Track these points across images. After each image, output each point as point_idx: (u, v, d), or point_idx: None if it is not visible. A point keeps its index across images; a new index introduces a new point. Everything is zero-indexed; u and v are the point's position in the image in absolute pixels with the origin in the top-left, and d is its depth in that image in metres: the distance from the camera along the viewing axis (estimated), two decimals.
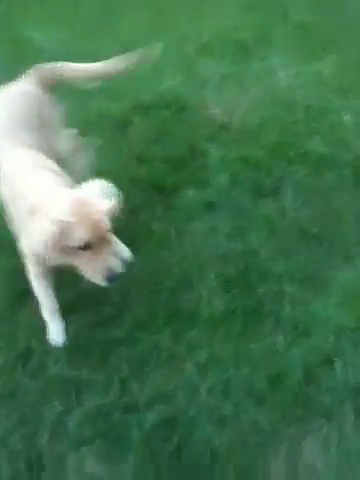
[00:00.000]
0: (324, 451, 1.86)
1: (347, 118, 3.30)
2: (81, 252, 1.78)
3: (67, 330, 2.24)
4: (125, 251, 2.31)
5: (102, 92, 3.54)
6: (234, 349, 2.15)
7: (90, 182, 1.94)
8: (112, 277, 1.84)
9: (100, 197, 1.83)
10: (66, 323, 2.25)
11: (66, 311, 2.26)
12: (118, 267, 1.85)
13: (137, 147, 3.10)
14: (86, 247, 1.79)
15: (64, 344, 2.21)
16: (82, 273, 1.87)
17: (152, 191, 2.83)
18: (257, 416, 1.96)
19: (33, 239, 1.77)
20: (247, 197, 2.78)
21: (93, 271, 1.84)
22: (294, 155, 3.03)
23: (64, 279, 2.21)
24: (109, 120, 3.30)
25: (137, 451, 1.90)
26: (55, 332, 2.22)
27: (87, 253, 1.79)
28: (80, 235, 1.75)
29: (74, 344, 2.22)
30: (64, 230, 1.73)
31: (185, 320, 2.24)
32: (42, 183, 1.91)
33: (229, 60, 3.81)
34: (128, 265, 2.07)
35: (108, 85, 3.59)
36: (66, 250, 1.77)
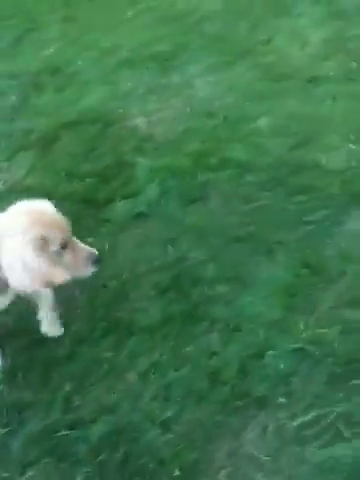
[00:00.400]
0: (262, 438, 1.93)
1: (263, 123, 3.41)
2: (63, 252, 1.81)
3: (4, 351, 2.19)
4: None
5: (28, 109, 3.50)
6: (173, 353, 2.18)
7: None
8: (97, 258, 1.89)
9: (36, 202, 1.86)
10: (3, 345, 2.20)
11: (3, 333, 2.21)
12: (94, 250, 1.90)
13: (66, 163, 3.08)
14: (64, 246, 1.82)
15: (2, 366, 2.16)
16: (69, 273, 1.84)
17: (83, 205, 2.82)
18: (199, 414, 2.01)
19: (21, 266, 1.73)
20: (176, 205, 2.82)
21: (81, 263, 1.87)
22: (216, 162, 3.11)
23: None
24: (36, 138, 3.25)
25: (85, 465, 1.89)
26: None
27: (67, 250, 1.82)
28: (57, 236, 1.78)
29: (13, 366, 2.18)
30: (42, 242, 1.75)
31: (123, 331, 2.25)
32: None
33: (149, 72, 3.84)
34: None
35: (33, 102, 3.56)
36: (51, 258, 1.77)
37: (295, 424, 1.96)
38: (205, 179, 3.01)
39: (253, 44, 4.17)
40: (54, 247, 1.78)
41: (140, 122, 3.42)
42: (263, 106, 3.55)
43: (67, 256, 1.83)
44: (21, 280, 1.77)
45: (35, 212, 1.80)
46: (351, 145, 3.18)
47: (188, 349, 2.21)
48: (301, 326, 2.24)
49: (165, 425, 1.98)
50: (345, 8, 4.45)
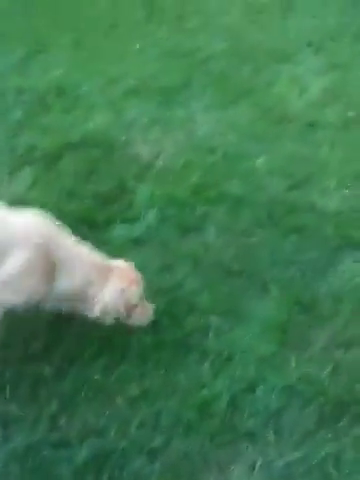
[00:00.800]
0: (249, 475, 1.89)
1: (260, 162, 3.45)
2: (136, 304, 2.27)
3: None
4: None
5: (32, 127, 3.49)
6: (163, 381, 2.14)
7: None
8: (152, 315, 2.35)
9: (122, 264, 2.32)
10: None
11: None
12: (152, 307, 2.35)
13: (67, 183, 3.06)
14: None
15: None
16: (133, 320, 2.27)
17: (82, 226, 2.78)
18: (187, 445, 1.95)
19: (108, 302, 2.21)
20: (173, 233, 2.82)
21: (146, 315, 2.31)
22: (214, 195, 3.13)
23: None
24: (39, 155, 3.23)
25: None
26: None
27: (139, 303, 2.27)
28: (138, 293, 2.27)
29: (2, 378, 2.10)
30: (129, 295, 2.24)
31: (116, 354, 2.20)
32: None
33: (154, 104, 3.89)
34: None
35: (39, 120, 3.56)
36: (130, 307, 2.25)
37: (283, 462, 1.92)
38: (203, 211, 3.02)
39: (255, 86, 4.27)
40: (134, 301, 2.25)
41: (142, 150, 3.44)
42: (262, 146, 3.61)
43: (137, 308, 2.27)
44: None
45: (128, 270, 2.30)
46: (345, 190, 3.24)
47: (179, 378, 2.16)
48: (293, 363, 2.22)
49: (152, 454, 1.92)
50: (344, 60, 4.61)
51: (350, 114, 3.92)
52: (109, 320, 2.23)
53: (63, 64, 4.16)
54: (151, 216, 2.91)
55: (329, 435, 2.00)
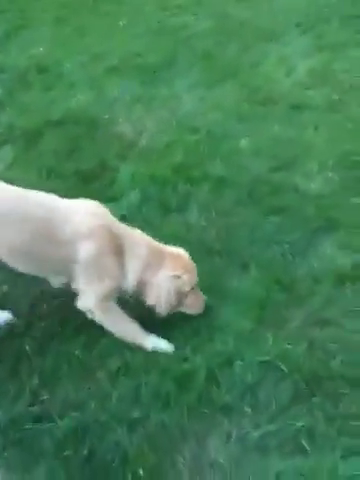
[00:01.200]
0: (225, 445, 2.00)
1: (244, 143, 3.54)
2: (188, 292, 2.35)
3: None
4: None
5: (13, 105, 3.53)
6: (143, 356, 2.23)
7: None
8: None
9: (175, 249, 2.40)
10: None
11: None
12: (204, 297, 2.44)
13: (48, 161, 3.12)
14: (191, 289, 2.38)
15: None
16: (184, 309, 2.38)
17: None
18: (165, 417, 2.06)
19: (157, 291, 2.30)
20: (156, 213, 2.90)
21: (197, 305, 2.40)
22: (197, 175, 3.22)
23: None
24: (19, 133, 3.28)
25: (49, 459, 1.91)
26: None
27: (191, 292, 2.36)
28: (191, 281, 2.34)
29: None
30: (181, 282, 2.33)
31: (96, 330, 2.29)
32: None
33: (137, 82, 3.94)
34: None
35: (19, 98, 3.60)
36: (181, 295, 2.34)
37: (258, 434, 2.03)
38: (185, 190, 3.11)
39: (241, 65, 4.34)
40: (187, 288, 2.34)
41: (125, 129, 3.50)
42: (246, 126, 3.69)
43: (190, 295, 2.36)
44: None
45: (182, 257, 2.37)
46: (329, 173, 3.34)
47: (158, 353, 2.26)
48: (270, 340, 2.33)
49: (131, 426, 2.03)
50: (332, 42, 4.68)
51: (336, 97, 4.01)
52: (165, 310, 2.30)
53: (45, 41, 4.20)
54: (133, 195, 2.99)
55: (303, 410, 2.11)
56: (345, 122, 3.77)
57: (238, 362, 2.23)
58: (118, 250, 2.27)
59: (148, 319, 2.33)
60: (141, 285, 2.30)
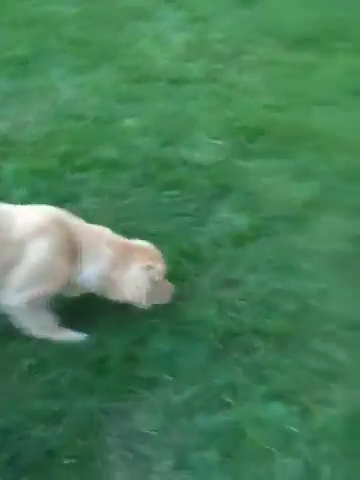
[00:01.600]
0: (151, 416, 2.09)
1: (130, 123, 3.63)
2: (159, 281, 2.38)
3: None
4: None
5: None
6: (55, 350, 2.27)
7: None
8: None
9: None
10: None
11: None
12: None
13: None
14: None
15: None
16: (154, 300, 2.38)
17: None
18: (88, 404, 2.11)
19: (132, 285, 2.33)
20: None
21: (167, 294, 2.44)
22: (86, 162, 3.26)
23: None
24: None
25: None
26: None
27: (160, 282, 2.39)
28: (162, 270, 2.39)
29: None
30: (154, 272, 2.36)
31: (2, 336, 2.29)
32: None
33: (8, 76, 3.91)
34: None
35: None
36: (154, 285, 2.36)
37: (181, 399, 2.14)
38: (75, 179, 3.15)
39: (115, 47, 4.42)
40: (159, 277, 2.37)
41: (3, 127, 3.47)
42: (129, 107, 3.79)
43: (158, 283, 2.38)
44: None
45: (149, 249, 2.42)
46: (216, 141, 3.52)
47: (73, 342, 2.31)
48: (181, 308, 2.45)
49: (54, 419, 2.06)
50: (204, 14, 4.88)
51: (213, 67, 4.20)
52: (147, 301, 2.33)
53: None
54: (22, 192, 2.98)
55: (222, 367, 2.25)
56: (224, 91, 3.98)
57: (152, 336, 2.33)
58: (72, 248, 2.26)
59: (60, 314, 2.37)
60: (109, 284, 2.32)
